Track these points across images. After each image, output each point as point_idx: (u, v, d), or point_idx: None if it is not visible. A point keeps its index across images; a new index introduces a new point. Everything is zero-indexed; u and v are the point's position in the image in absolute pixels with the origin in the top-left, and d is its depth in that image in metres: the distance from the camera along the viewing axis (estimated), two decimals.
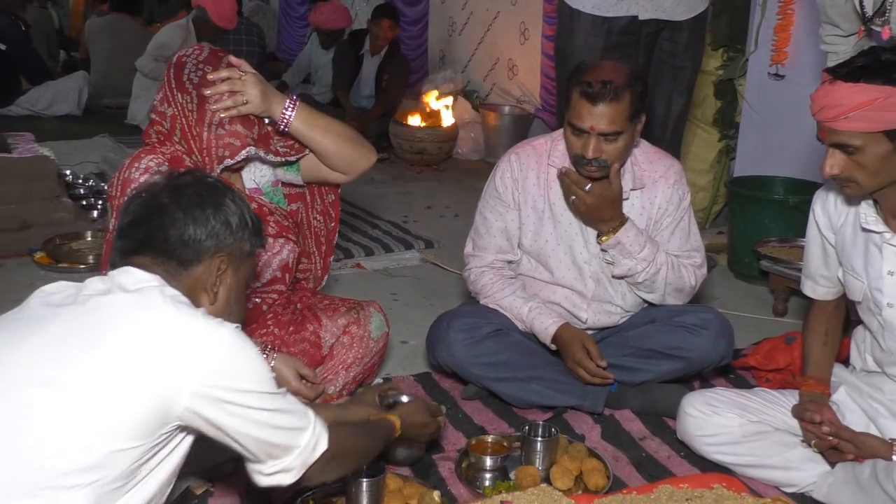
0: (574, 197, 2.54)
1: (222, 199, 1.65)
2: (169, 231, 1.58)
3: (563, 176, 2.56)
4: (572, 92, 2.49)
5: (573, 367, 2.60)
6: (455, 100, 6.60)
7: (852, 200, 2.18)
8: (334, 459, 1.70)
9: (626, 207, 2.65)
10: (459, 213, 4.89)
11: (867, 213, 2.14)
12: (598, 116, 2.44)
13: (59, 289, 1.54)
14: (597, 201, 2.53)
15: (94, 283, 1.52)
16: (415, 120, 6.25)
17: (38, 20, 8.60)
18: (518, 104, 6.41)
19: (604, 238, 2.60)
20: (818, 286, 2.39)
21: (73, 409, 1.32)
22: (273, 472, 1.61)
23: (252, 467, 1.61)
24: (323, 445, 1.64)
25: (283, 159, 2.41)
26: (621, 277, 2.67)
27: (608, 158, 2.49)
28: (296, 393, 2.32)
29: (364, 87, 6.72)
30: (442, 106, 6.31)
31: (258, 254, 1.85)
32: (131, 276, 1.52)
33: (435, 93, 6.36)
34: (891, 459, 2.06)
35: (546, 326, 2.64)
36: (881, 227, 2.11)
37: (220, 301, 1.65)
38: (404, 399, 2.38)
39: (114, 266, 1.60)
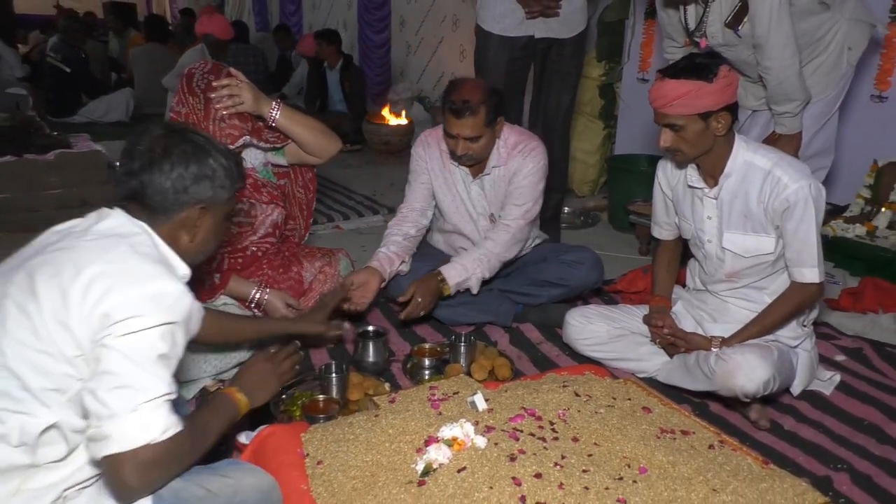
0: (419, 312, 2.51)
1: (206, 157, 1.45)
2: (155, 186, 1.39)
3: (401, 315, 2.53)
4: (444, 108, 2.49)
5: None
6: (411, 104, 6.60)
7: (682, 166, 2.24)
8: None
9: (487, 180, 2.66)
10: None
11: (692, 174, 2.19)
12: (461, 126, 2.46)
13: (64, 226, 1.41)
14: (424, 298, 2.50)
15: (89, 218, 1.39)
16: (381, 120, 6.22)
17: (94, 50, 8.38)
18: None
19: (447, 293, 2.55)
20: (662, 230, 2.45)
21: (40, 337, 1.22)
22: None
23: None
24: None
25: (271, 146, 2.41)
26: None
27: (473, 153, 2.52)
28: (284, 318, 2.36)
29: (334, 94, 6.65)
30: (397, 118, 6.24)
31: (240, 195, 1.63)
32: (115, 220, 1.37)
33: (388, 109, 6.29)
34: (710, 350, 2.16)
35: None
36: (701, 184, 2.17)
37: (198, 239, 1.48)
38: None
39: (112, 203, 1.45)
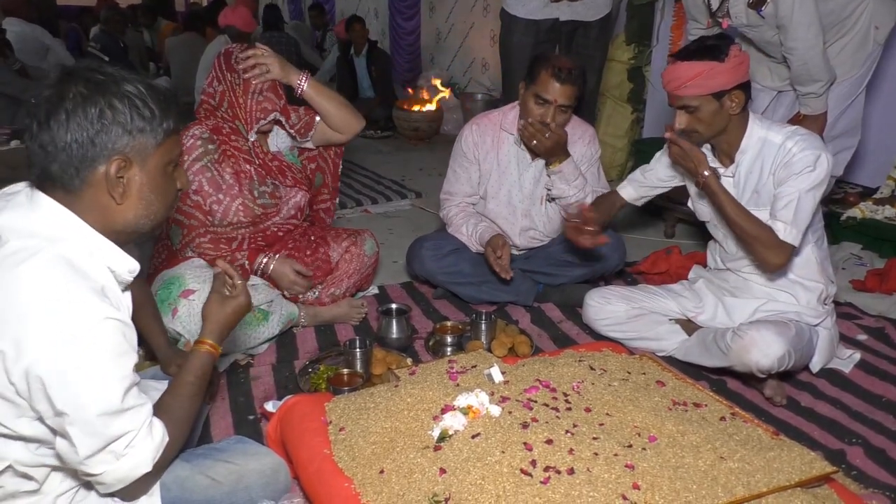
0: (536, 142, 2.53)
1: (108, 95, 1.18)
2: (57, 144, 1.17)
3: (528, 125, 2.52)
4: (542, 71, 2.48)
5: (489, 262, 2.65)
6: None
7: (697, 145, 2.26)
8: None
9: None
10: (442, 173, 4.88)
11: (707, 155, 2.22)
12: (560, 92, 2.48)
13: None
14: (553, 143, 2.53)
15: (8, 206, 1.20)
16: (411, 105, 6.28)
17: (132, 40, 8.61)
18: (488, 92, 6.44)
19: (552, 166, 2.61)
20: (628, 188, 2.53)
21: None
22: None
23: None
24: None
25: (294, 134, 2.48)
26: (558, 198, 2.67)
27: (557, 126, 2.52)
28: (293, 283, 2.44)
29: (363, 80, 6.73)
30: (435, 99, 6.31)
31: (181, 131, 1.36)
32: (32, 215, 1.18)
33: (424, 92, 6.34)
34: (705, 173, 2.09)
35: (484, 237, 2.70)
36: (716, 164, 2.20)
37: (130, 199, 1.23)
38: None
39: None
